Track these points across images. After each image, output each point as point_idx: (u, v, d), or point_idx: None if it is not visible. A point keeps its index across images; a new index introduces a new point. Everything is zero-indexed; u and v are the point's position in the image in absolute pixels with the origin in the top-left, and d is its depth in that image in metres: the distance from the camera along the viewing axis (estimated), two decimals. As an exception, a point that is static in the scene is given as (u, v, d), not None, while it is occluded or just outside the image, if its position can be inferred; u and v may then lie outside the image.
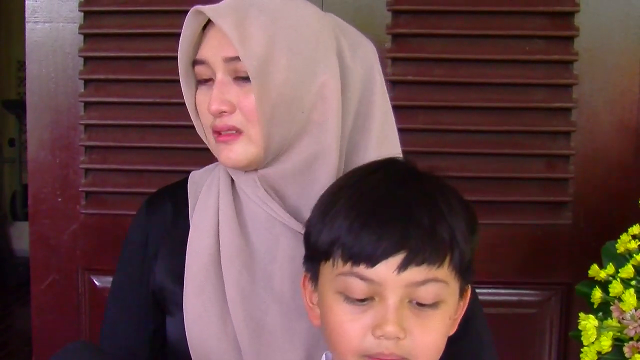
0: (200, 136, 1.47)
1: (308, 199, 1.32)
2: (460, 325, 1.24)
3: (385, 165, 1.22)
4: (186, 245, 1.47)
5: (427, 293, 1.11)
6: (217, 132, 1.38)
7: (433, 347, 1.14)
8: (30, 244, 2.50)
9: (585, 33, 2.27)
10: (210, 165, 1.56)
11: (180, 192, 1.54)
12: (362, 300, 1.12)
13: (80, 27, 2.42)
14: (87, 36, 2.43)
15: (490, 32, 2.29)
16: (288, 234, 1.39)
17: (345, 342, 1.14)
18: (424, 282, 1.10)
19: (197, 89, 1.42)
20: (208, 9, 1.33)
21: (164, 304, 1.51)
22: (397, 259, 1.09)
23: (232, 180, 1.47)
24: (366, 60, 1.45)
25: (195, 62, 1.39)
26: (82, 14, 2.42)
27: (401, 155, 1.43)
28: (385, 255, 1.09)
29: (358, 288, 1.11)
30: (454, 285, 1.15)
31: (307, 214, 1.26)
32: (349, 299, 1.13)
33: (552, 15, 2.30)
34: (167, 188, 1.60)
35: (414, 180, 1.17)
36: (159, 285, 1.51)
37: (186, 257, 1.47)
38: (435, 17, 2.32)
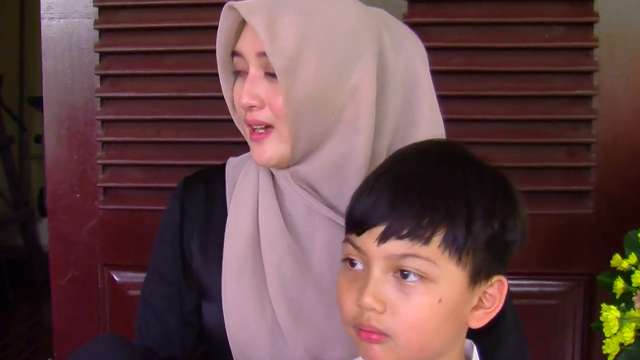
0: (237, 126, 1.47)
1: (342, 197, 1.34)
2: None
3: (422, 145, 1.23)
4: (223, 229, 1.49)
5: (408, 267, 1.11)
6: (250, 126, 1.40)
7: (417, 327, 1.12)
8: (50, 240, 2.51)
9: (605, 19, 2.24)
10: (247, 153, 1.55)
11: (216, 176, 1.56)
12: (356, 268, 1.15)
13: (96, 23, 2.41)
14: (102, 31, 2.42)
15: (508, 20, 2.27)
16: (326, 223, 1.40)
17: (341, 310, 1.17)
18: (404, 256, 1.10)
19: (235, 80, 1.43)
20: (240, 5, 1.34)
21: (202, 288, 1.52)
22: (379, 230, 1.11)
23: None
24: (410, 57, 1.44)
25: (233, 54, 1.40)
26: (97, 9, 2.42)
27: None
28: (370, 225, 1.12)
29: (351, 255, 1.16)
30: (448, 267, 1.11)
31: (342, 208, 1.27)
32: (348, 267, 1.17)
33: (571, 1, 2.27)
34: (203, 171, 1.61)
35: (434, 158, 1.17)
36: (197, 268, 1.52)
37: (224, 241, 1.48)
38: (452, 5, 2.30)
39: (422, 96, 1.44)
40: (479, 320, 1.19)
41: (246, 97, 1.35)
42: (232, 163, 1.57)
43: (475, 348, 1.25)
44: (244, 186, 1.50)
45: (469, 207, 1.12)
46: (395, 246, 1.10)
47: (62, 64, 2.44)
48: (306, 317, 1.40)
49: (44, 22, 2.45)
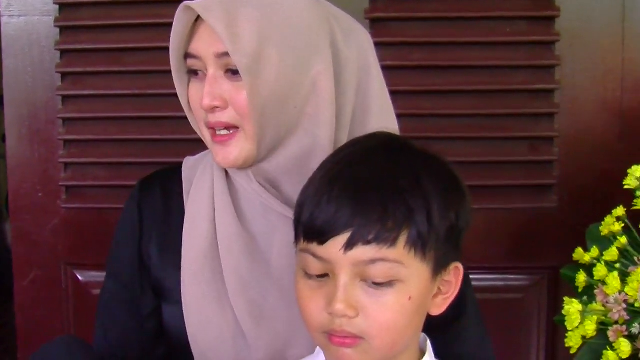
0: (195, 130, 1.46)
1: None
2: (453, 307, 1.23)
3: (364, 140, 1.24)
4: (181, 230, 1.47)
5: (377, 272, 1.10)
6: (212, 129, 1.38)
7: (390, 327, 1.13)
8: (12, 240, 2.51)
9: (567, 13, 2.25)
10: (204, 152, 1.55)
11: (173, 177, 1.54)
12: (319, 277, 1.14)
13: (56, 20, 2.39)
14: (62, 29, 2.40)
15: (470, 15, 2.27)
16: (284, 221, 1.38)
17: (307, 318, 1.16)
18: (372, 261, 1.10)
19: (189, 82, 1.41)
20: (197, 5, 1.32)
21: (161, 289, 1.51)
22: (344, 238, 1.09)
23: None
24: (361, 46, 1.44)
25: (187, 55, 1.38)
26: (57, 6, 2.40)
27: None
28: (333, 233, 1.10)
29: (313, 265, 1.14)
30: (414, 264, 1.12)
31: None
32: (308, 275, 1.15)
33: (533, -5, 2.28)
34: (159, 172, 1.60)
35: (383, 155, 1.17)
36: (155, 270, 1.51)
37: (182, 242, 1.47)
38: (414, 1, 2.30)
39: (373, 84, 1.44)
40: (439, 307, 1.21)
41: (208, 98, 1.33)
42: (188, 162, 1.56)
43: (428, 340, 1.26)
44: (200, 186, 1.49)
45: (427, 203, 1.12)
46: (362, 252, 1.09)
47: (22, 62, 2.42)
48: (267, 318, 1.39)
49: (3, 20, 2.43)
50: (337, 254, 1.10)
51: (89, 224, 2.41)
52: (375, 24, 2.28)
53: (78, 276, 2.46)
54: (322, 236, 1.11)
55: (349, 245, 1.09)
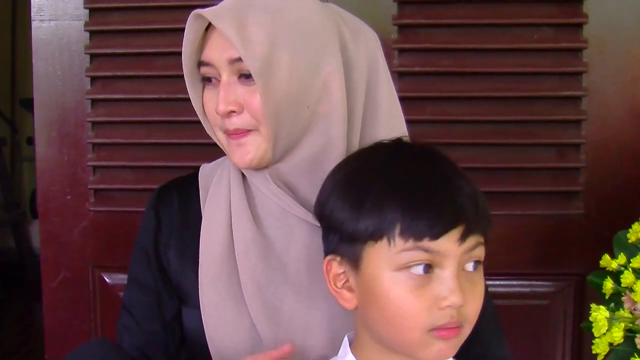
0: (210, 135, 1.48)
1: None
2: None
3: (399, 146, 1.28)
4: (199, 236, 1.49)
5: (476, 258, 1.19)
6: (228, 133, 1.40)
7: (478, 312, 1.21)
8: (41, 242, 2.51)
9: (595, 20, 2.24)
10: (220, 159, 1.58)
11: (190, 184, 1.57)
12: (423, 275, 1.16)
13: (86, 25, 2.41)
14: (92, 33, 2.42)
15: (497, 21, 2.27)
16: (302, 225, 1.40)
17: (412, 318, 1.17)
18: (475, 247, 1.18)
19: (203, 89, 1.43)
20: (208, 12, 1.34)
21: (180, 294, 1.53)
22: (458, 230, 1.15)
23: (243, 172, 1.48)
24: (369, 46, 1.46)
25: (200, 63, 1.40)
26: (88, 11, 2.41)
27: (408, 137, 1.44)
28: (448, 228, 1.15)
29: (421, 260, 1.16)
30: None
31: None
32: (411, 275, 1.16)
33: (561, 2, 2.27)
34: (176, 180, 1.62)
35: (434, 156, 1.25)
36: (175, 275, 1.53)
37: (200, 247, 1.49)
38: (441, 7, 2.30)
39: (381, 83, 1.46)
40: None
41: (223, 104, 1.36)
42: (205, 170, 1.58)
43: None
44: (217, 191, 1.51)
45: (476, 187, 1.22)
46: (471, 240, 1.17)
47: (52, 66, 2.44)
48: (283, 321, 1.41)
49: (34, 24, 2.45)
50: (450, 246, 1.15)
51: (116, 227, 2.42)
52: (403, 30, 2.29)
53: (105, 278, 2.48)
54: (435, 233, 1.15)
55: (464, 236, 1.16)
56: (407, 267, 1.16)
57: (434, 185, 1.17)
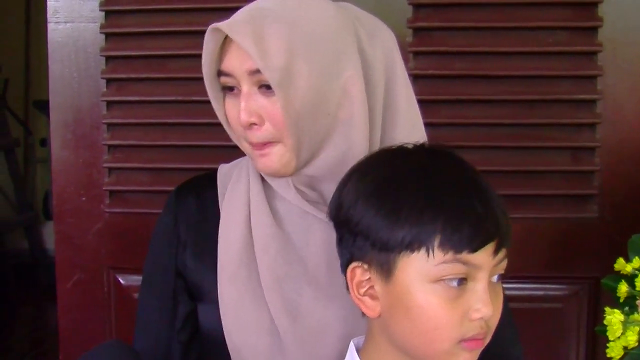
0: (235, 142, 1.48)
1: None
2: None
3: (427, 152, 1.27)
4: (217, 235, 1.50)
5: (501, 269, 1.21)
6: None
7: (498, 320, 1.23)
8: (56, 243, 2.52)
9: (609, 23, 2.24)
10: (238, 159, 1.58)
11: (208, 183, 1.57)
12: (457, 287, 1.17)
13: (102, 27, 2.42)
14: (108, 35, 2.43)
15: (512, 24, 2.27)
16: (321, 223, 1.40)
17: (445, 330, 1.17)
18: (504, 258, 1.20)
19: (224, 97, 1.44)
20: (225, 26, 1.35)
21: (197, 291, 1.54)
22: (494, 243, 1.17)
23: None
24: (386, 46, 1.46)
25: (219, 73, 1.40)
26: (103, 13, 2.42)
27: (424, 134, 1.48)
28: (486, 241, 1.16)
29: (459, 273, 1.16)
30: None
31: None
32: (446, 287, 1.17)
33: (575, 5, 2.27)
34: (194, 179, 1.63)
35: (459, 162, 1.25)
36: (191, 274, 1.54)
37: (218, 245, 1.49)
38: (457, 10, 2.30)
39: (399, 82, 1.46)
40: None
41: (245, 114, 1.36)
42: (223, 169, 1.58)
43: None
44: (236, 189, 1.51)
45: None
46: (503, 252, 1.19)
47: (68, 68, 2.45)
48: (302, 316, 1.41)
49: (50, 26, 2.46)
50: (486, 258, 1.17)
51: (131, 229, 2.43)
52: (418, 33, 2.29)
53: (120, 280, 2.49)
54: (474, 246, 1.15)
55: (498, 249, 1.18)
56: (442, 279, 1.16)
57: (473, 196, 1.17)
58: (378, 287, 1.22)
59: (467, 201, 1.17)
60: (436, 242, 1.15)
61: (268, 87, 1.34)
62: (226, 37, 1.37)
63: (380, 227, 1.19)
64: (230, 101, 1.42)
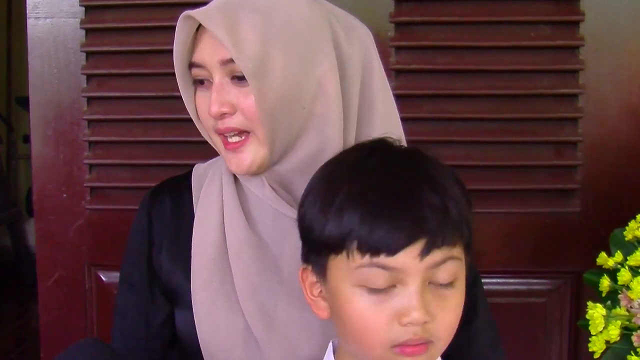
0: (205, 138, 1.46)
1: None
2: (466, 308, 1.23)
3: (377, 148, 1.22)
4: (191, 237, 1.48)
5: (446, 273, 1.12)
6: (223, 135, 1.38)
7: (454, 326, 1.15)
8: (37, 240, 2.51)
9: (591, 18, 2.24)
10: (213, 159, 1.56)
11: (183, 184, 1.55)
12: (383, 290, 1.11)
13: (82, 22, 2.41)
14: (88, 31, 2.42)
15: (494, 19, 2.27)
16: (295, 226, 1.35)
17: (371, 335, 1.12)
18: (443, 261, 1.11)
19: (195, 90, 1.42)
20: (198, 14, 1.33)
21: (173, 295, 1.52)
22: (418, 245, 1.08)
23: None
24: (362, 43, 1.44)
25: (191, 65, 1.39)
26: (83, 8, 2.41)
27: (403, 137, 1.44)
28: (406, 243, 1.08)
29: (380, 278, 1.10)
30: (465, 261, 1.16)
31: None
32: (370, 290, 1.11)
33: (557, 0, 2.27)
34: (169, 181, 1.60)
35: (410, 160, 1.18)
36: (166, 277, 1.52)
37: (192, 249, 1.47)
38: (439, 5, 2.30)
39: (376, 80, 1.44)
40: None
41: (216, 105, 1.34)
42: (199, 169, 1.57)
43: None
44: (210, 192, 1.49)
45: (468, 200, 1.15)
46: (435, 255, 1.10)
47: (48, 64, 2.43)
48: (278, 323, 1.39)
49: (30, 22, 2.44)
50: (410, 262, 1.09)
51: (113, 225, 2.42)
52: (400, 28, 2.29)
53: (101, 277, 2.48)
54: (392, 248, 1.09)
55: (425, 252, 1.09)
56: (366, 282, 1.11)
57: (395, 195, 1.11)
58: (323, 289, 1.20)
59: (389, 201, 1.10)
60: (355, 244, 1.11)
61: (241, 78, 1.32)
62: (198, 27, 1.36)
63: (314, 226, 1.17)
64: (201, 95, 1.40)
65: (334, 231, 1.13)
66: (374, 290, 1.11)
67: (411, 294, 1.10)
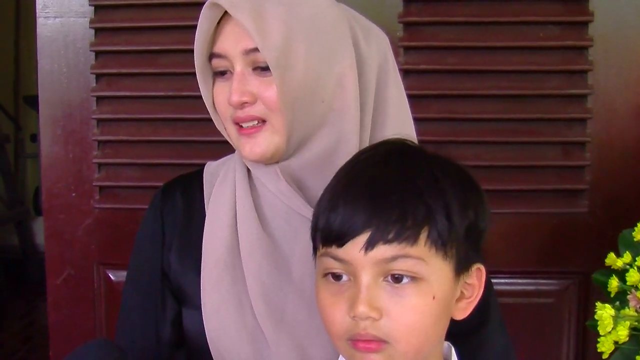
0: (220, 130, 1.46)
1: None
2: (475, 314, 1.22)
3: (377, 146, 1.24)
4: (202, 236, 1.48)
5: (399, 268, 1.10)
6: (239, 125, 1.38)
7: (416, 329, 1.12)
8: (46, 239, 2.51)
9: (600, 18, 2.24)
10: (225, 157, 1.56)
11: (195, 182, 1.55)
12: (341, 281, 1.14)
13: (91, 22, 2.41)
14: (98, 30, 2.42)
15: (503, 19, 2.27)
16: (307, 225, 1.35)
17: (330, 325, 1.15)
18: (393, 259, 1.10)
19: (214, 82, 1.42)
20: (225, 2, 1.33)
21: (181, 295, 1.51)
22: (364, 238, 1.10)
23: (248, 171, 1.46)
24: (380, 45, 1.46)
25: (212, 56, 1.39)
26: (93, 8, 2.41)
27: (415, 138, 1.44)
28: (353, 234, 1.10)
29: (333, 269, 1.14)
30: (436, 263, 1.12)
31: None
32: (330, 282, 1.15)
33: (566, 0, 2.27)
34: (181, 178, 1.60)
35: (398, 159, 1.17)
36: (175, 277, 1.51)
37: (203, 248, 1.47)
38: (447, 5, 2.30)
39: (390, 84, 1.46)
40: (463, 310, 1.20)
41: (237, 94, 1.34)
42: (210, 168, 1.56)
43: (453, 349, 1.26)
44: (222, 190, 1.49)
45: (446, 201, 1.13)
46: (383, 250, 1.10)
47: (57, 63, 2.44)
48: (288, 323, 1.39)
49: (39, 21, 2.45)
50: (357, 254, 1.10)
51: (121, 224, 2.43)
52: (408, 28, 2.29)
53: (110, 275, 2.48)
54: (340, 238, 1.11)
55: (370, 245, 1.09)
56: (325, 273, 1.15)
57: (354, 190, 1.13)
58: None
59: (346, 194, 1.13)
60: (319, 233, 1.16)
61: (263, 68, 1.33)
62: (221, 18, 1.37)
63: (312, 220, 1.21)
64: (220, 85, 1.40)
65: (312, 222, 1.20)
66: (330, 281, 1.15)
67: (358, 288, 1.11)
